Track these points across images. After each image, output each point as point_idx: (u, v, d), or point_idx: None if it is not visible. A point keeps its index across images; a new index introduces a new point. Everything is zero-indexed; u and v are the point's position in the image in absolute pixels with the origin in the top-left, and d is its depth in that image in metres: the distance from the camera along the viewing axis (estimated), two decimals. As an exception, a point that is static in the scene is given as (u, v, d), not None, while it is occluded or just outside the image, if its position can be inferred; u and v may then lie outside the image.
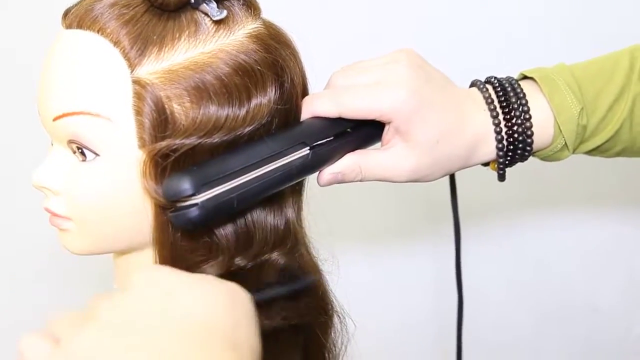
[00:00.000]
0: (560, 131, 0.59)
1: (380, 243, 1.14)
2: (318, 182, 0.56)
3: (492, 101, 0.58)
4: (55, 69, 0.50)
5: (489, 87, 0.60)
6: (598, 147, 0.62)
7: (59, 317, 0.40)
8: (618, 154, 0.64)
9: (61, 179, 0.51)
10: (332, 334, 0.59)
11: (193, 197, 0.47)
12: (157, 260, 0.51)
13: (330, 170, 0.55)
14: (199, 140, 0.48)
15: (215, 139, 0.49)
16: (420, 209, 1.10)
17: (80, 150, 0.50)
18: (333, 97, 0.55)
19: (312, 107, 0.55)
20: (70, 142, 0.50)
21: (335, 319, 0.59)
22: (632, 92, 0.61)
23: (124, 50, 0.48)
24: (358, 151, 0.56)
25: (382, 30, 1.00)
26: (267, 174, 0.50)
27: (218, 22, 0.50)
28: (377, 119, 0.55)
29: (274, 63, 0.51)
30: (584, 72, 0.61)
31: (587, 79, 0.61)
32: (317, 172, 0.55)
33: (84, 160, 0.50)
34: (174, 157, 0.48)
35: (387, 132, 0.56)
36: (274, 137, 0.52)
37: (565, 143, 0.60)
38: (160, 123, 0.48)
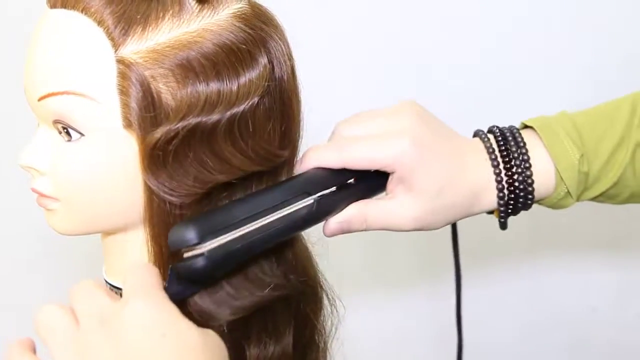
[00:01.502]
0: (562, 179, 0.59)
1: (380, 289, 1.14)
2: (324, 232, 0.57)
3: (493, 151, 0.59)
4: (39, 49, 0.50)
5: (491, 136, 0.60)
6: (603, 193, 0.62)
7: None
8: (627, 200, 0.64)
9: (47, 159, 0.51)
10: (322, 315, 0.59)
11: (198, 247, 0.47)
12: (150, 241, 0.51)
13: (335, 220, 0.56)
14: (197, 120, 0.48)
15: (214, 116, 0.49)
16: (420, 252, 1.10)
17: (65, 130, 0.50)
18: (337, 148, 0.56)
19: (317, 158, 0.56)
20: (56, 122, 0.50)
21: (325, 302, 0.60)
22: (633, 139, 0.61)
23: (107, 30, 0.48)
24: (362, 201, 0.57)
25: (374, 22, 1.00)
26: (273, 223, 0.51)
27: (202, 2, 0.50)
28: (381, 169, 0.56)
29: (260, 41, 0.51)
30: (585, 119, 0.62)
31: (588, 126, 0.61)
32: (323, 222, 0.56)
33: (69, 141, 0.50)
34: (176, 145, 0.48)
35: (391, 182, 0.57)
36: (278, 187, 0.53)
37: (568, 191, 0.60)
38: (147, 103, 0.48)
